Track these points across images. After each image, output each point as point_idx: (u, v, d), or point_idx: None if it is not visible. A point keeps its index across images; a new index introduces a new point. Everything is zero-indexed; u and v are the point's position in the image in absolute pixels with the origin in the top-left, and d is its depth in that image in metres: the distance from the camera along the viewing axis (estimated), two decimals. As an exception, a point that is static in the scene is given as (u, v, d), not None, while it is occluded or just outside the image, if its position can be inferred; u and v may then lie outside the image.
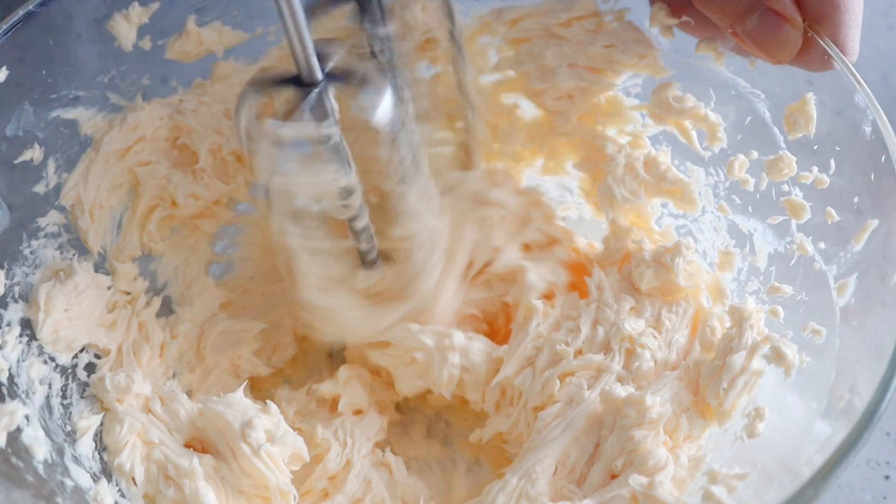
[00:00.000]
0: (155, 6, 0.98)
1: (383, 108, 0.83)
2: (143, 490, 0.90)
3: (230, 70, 1.06)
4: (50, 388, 0.90)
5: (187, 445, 0.95)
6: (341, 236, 0.94)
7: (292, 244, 0.93)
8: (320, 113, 0.80)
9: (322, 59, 0.80)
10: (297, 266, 0.95)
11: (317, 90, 0.80)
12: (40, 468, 0.80)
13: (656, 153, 1.03)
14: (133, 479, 0.90)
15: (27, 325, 0.90)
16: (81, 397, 0.94)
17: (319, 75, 0.80)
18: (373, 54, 0.94)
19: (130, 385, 0.94)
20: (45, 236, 0.94)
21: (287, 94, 0.81)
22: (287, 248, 0.94)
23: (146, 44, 1.00)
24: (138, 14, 0.98)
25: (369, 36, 0.93)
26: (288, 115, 0.80)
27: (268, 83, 0.82)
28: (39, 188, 0.94)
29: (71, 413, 0.91)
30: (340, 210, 0.89)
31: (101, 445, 0.92)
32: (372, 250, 0.95)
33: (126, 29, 0.98)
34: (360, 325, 1.01)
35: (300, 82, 0.80)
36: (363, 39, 0.93)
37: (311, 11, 0.88)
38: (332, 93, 0.81)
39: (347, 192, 0.87)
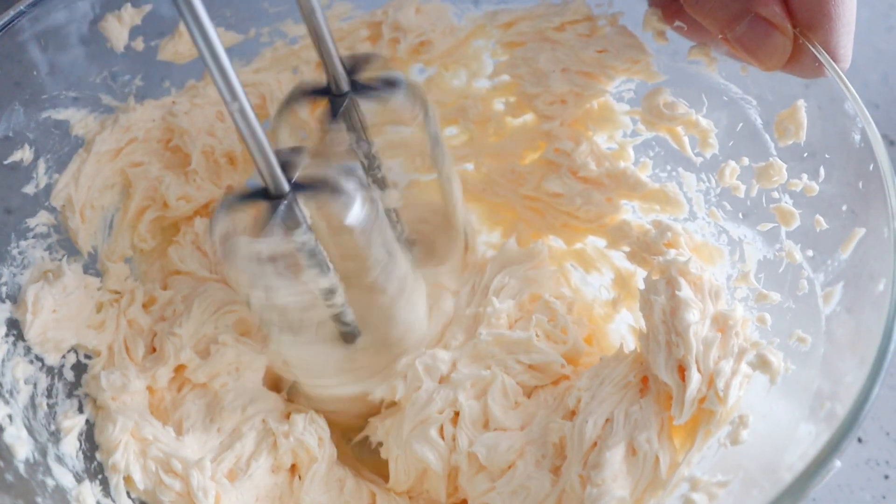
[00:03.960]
0: (147, 7, 0.99)
1: (354, 212, 0.84)
2: (143, 486, 0.91)
3: (223, 72, 1.06)
4: (35, 387, 0.90)
5: None
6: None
7: (281, 348, 0.98)
8: (292, 223, 0.81)
9: (288, 168, 0.81)
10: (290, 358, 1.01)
11: (286, 202, 0.80)
12: (21, 468, 0.80)
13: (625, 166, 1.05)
14: (129, 476, 0.91)
15: (14, 325, 0.90)
16: (67, 397, 0.94)
17: (286, 187, 0.80)
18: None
19: (126, 384, 0.95)
20: (35, 237, 0.95)
21: (257, 207, 0.81)
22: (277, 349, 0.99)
23: (139, 45, 1.00)
24: (130, 15, 0.98)
25: (341, 133, 0.94)
26: (259, 229, 0.80)
27: (237, 200, 0.82)
28: (29, 188, 0.95)
29: (56, 413, 0.91)
30: (325, 310, 0.92)
31: (86, 445, 0.92)
32: (353, 328, 0.97)
33: (118, 30, 0.98)
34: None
35: (268, 195, 0.80)
36: (336, 137, 0.94)
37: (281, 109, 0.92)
38: (301, 201, 0.82)
39: (330, 293, 0.89)
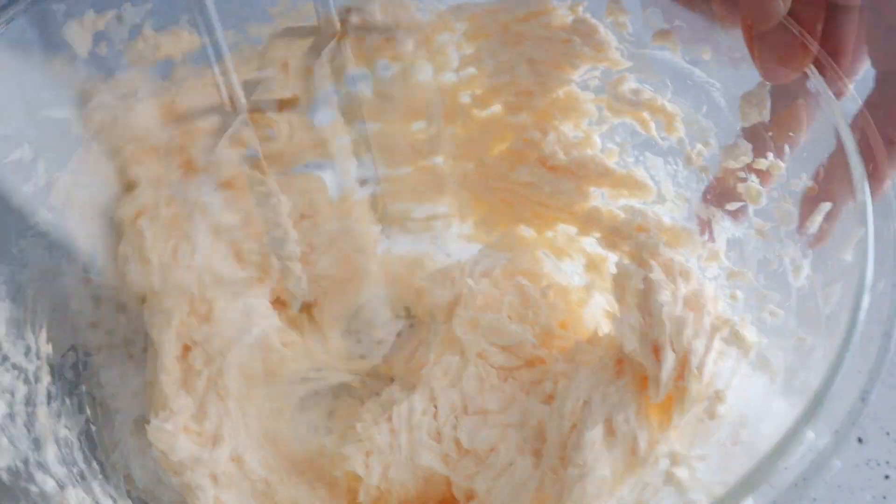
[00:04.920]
0: (147, 6, 0.98)
1: None
2: (143, 485, 0.92)
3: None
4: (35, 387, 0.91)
5: None
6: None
7: None
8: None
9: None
10: None
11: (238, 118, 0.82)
12: (21, 467, 0.80)
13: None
14: (128, 475, 0.93)
15: (13, 325, 0.90)
16: (68, 396, 0.94)
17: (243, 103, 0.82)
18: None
19: (125, 380, 0.96)
20: (34, 235, 0.94)
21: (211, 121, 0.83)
22: None
23: (139, 43, 0.99)
24: (130, 15, 0.98)
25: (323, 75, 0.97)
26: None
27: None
28: (29, 187, 0.94)
29: (60, 413, 0.92)
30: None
31: (86, 444, 0.92)
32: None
33: (119, 29, 0.98)
34: None
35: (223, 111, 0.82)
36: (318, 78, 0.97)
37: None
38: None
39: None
